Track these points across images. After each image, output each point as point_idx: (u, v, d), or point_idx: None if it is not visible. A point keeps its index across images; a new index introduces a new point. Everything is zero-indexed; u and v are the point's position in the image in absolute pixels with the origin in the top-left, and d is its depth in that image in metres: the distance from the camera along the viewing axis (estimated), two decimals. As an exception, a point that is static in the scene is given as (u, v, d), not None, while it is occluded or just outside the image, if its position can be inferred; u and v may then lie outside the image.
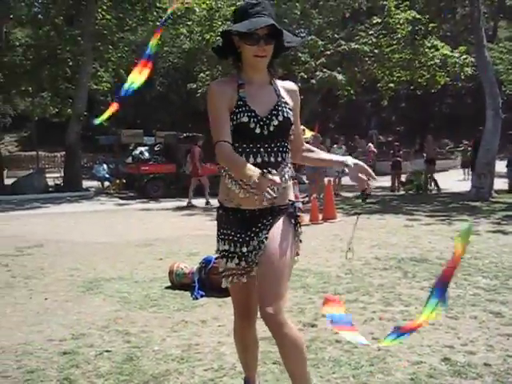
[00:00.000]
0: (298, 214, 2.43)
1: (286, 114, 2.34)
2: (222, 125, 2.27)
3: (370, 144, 24.45)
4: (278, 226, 2.33)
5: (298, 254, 2.44)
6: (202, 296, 4.68)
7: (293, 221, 2.38)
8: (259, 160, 2.30)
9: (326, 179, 12.79)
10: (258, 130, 2.29)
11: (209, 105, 2.33)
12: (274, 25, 2.21)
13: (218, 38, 19.12)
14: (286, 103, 2.38)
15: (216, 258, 2.54)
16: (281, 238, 2.30)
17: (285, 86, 2.46)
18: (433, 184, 16.54)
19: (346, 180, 16.32)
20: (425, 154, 16.50)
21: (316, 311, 4.18)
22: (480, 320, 3.89)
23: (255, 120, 2.29)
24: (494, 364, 3.09)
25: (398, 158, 17.20)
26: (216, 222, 2.48)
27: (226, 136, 2.23)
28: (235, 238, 2.38)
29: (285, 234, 2.32)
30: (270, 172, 2.15)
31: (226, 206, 2.39)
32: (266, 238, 2.31)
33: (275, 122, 2.31)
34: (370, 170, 2.40)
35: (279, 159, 2.34)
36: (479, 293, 4.62)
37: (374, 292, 4.74)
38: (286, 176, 2.36)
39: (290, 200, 2.41)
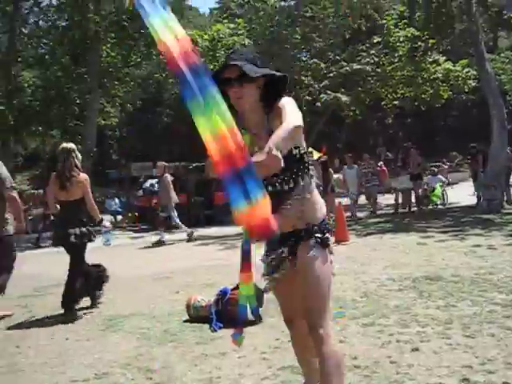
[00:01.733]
0: (322, 234, 2.57)
1: None
2: None
3: (380, 163, 24.43)
4: (303, 251, 2.55)
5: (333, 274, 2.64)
6: (220, 328, 4.73)
7: (316, 241, 2.54)
8: (270, 188, 2.43)
9: (337, 200, 12.87)
10: None
11: None
12: (236, 65, 2.35)
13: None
14: None
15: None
16: (308, 262, 2.52)
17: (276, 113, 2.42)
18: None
19: (360, 200, 16.36)
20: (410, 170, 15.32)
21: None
22: (497, 337, 3.90)
23: None
24: (513, 382, 3.11)
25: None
26: None
27: None
28: (270, 252, 2.68)
29: (310, 257, 2.52)
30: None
31: None
32: (294, 254, 2.58)
33: None
34: None
35: (286, 188, 2.51)
36: (496, 309, 4.63)
37: (390, 314, 4.77)
38: (292, 200, 2.52)
39: (310, 223, 2.55)
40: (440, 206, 16.11)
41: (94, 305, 6.21)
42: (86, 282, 6.06)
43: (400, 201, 15.71)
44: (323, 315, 2.53)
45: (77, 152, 6.03)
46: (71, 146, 6.02)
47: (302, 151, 2.50)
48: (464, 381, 3.18)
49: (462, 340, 3.91)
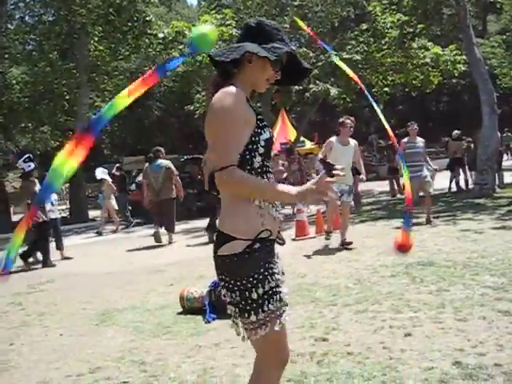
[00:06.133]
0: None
1: None
2: (238, 145, 2.02)
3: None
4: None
5: None
6: (213, 319, 4.74)
7: None
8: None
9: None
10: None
11: (225, 114, 2.02)
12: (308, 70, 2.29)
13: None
14: None
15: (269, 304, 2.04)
16: None
17: None
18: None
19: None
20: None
21: (327, 325, 4.23)
22: (489, 320, 3.92)
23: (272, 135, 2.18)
24: (505, 363, 3.13)
25: (393, 163, 17.20)
26: (253, 264, 2.05)
27: (236, 160, 2.00)
28: (277, 270, 2.12)
29: None
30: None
31: (262, 237, 2.07)
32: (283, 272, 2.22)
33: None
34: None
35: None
36: (487, 292, 4.66)
37: (383, 300, 4.79)
38: None
39: None
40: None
41: None
42: None
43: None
44: None
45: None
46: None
47: None
48: (456, 364, 3.20)
49: (454, 324, 3.93)
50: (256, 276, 2.03)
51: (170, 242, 10.76)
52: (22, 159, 9.69)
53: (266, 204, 2.10)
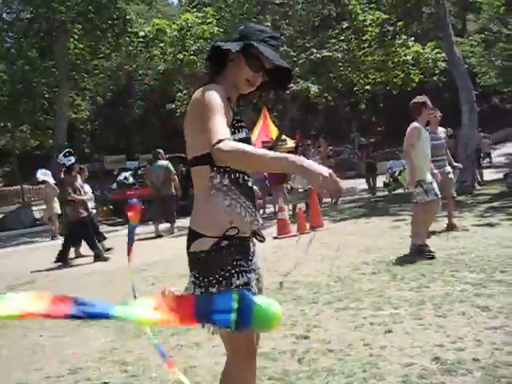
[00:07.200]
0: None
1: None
2: (224, 123, 1.97)
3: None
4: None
5: None
6: (195, 318, 4.71)
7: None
8: (250, 184, 2.19)
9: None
10: None
11: (206, 102, 2.02)
12: (289, 70, 2.28)
13: (191, 56, 19.25)
14: None
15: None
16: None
17: None
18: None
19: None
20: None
21: (308, 322, 4.24)
22: (468, 316, 3.97)
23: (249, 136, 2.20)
24: (483, 358, 3.17)
25: (371, 160, 17.30)
26: (219, 261, 2.07)
27: (228, 135, 1.94)
28: (248, 268, 2.11)
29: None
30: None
31: (230, 234, 2.07)
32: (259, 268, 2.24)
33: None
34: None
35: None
36: (466, 288, 4.71)
37: (363, 297, 4.82)
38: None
39: None
40: (406, 190, 16.14)
41: None
42: None
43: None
44: None
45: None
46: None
47: None
48: (435, 359, 3.23)
49: (434, 320, 3.97)
50: (222, 273, 2.05)
51: (171, 233, 12.07)
52: (62, 154, 9.65)
53: (235, 202, 2.09)
